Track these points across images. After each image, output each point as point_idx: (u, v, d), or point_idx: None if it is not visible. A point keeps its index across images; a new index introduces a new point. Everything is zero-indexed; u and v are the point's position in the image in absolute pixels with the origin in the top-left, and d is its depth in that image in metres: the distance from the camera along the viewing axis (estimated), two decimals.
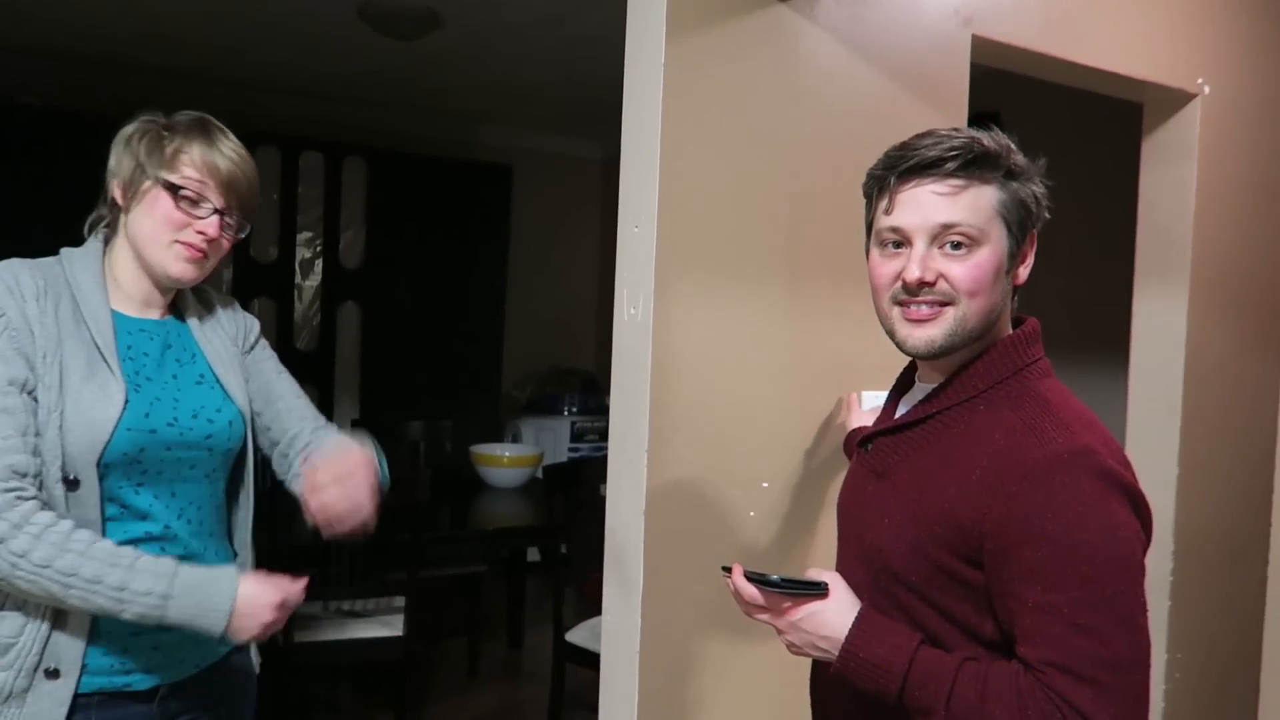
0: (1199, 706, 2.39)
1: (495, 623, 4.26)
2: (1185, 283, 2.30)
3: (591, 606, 2.76)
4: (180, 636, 1.36)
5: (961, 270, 1.03)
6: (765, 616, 1.09)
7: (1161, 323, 2.35)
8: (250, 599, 1.31)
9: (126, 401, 1.31)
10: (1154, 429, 2.35)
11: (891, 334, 1.10)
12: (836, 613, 1.06)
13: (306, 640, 2.89)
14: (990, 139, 1.05)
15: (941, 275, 1.04)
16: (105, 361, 1.31)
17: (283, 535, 2.82)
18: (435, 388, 5.01)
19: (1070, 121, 3.61)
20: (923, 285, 1.04)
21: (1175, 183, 2.32)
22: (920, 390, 1.16)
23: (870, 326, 1.84)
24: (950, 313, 1.04)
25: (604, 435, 5.46)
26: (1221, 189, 2.34)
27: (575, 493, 3.23)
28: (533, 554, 4.44)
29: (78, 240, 1.42)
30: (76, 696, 1.30)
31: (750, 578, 1.08)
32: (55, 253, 1.39)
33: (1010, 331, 1.11)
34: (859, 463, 1.19)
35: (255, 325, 1.59)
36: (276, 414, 1.55)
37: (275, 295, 4.78)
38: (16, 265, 1.32)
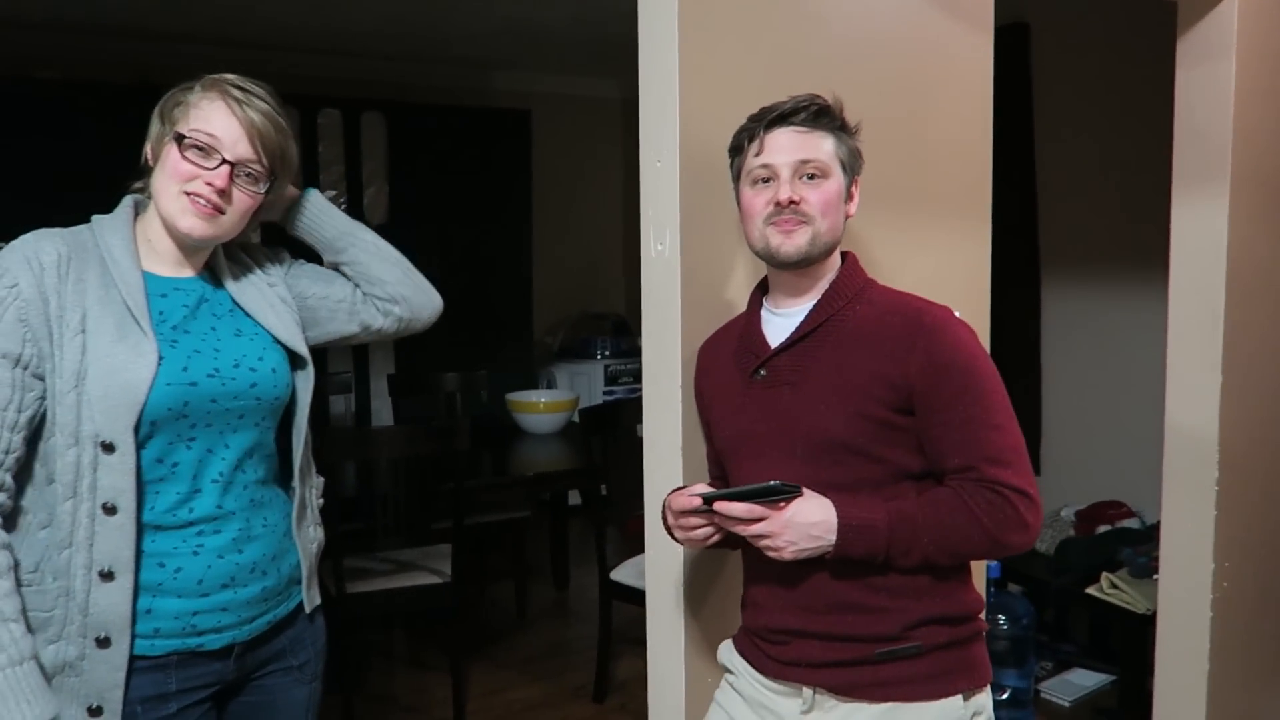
0: (1246, 613, 2.38)
1: (540, 566, 4.33)
2: (1225, 186, 2.23)
3: (634, 545, 2.79)
4: (247, 596, 1.40)
5: (816, 195, 1.35)
6: (759, 527, 1.27)
7: (1201, 228, 2.29)
8: None
9: (161, 359, 1.32)
10: (1196, 338, 2.31)
11: (765, 249, 1.37)
12: (817, 502, 1.28)
13: (359, 591, 2.96)
14: (827, 99, 1.38)
15: (802, 198, 1.34)
16: (136, 322, 1.32)
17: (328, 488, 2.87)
18: (468, 338, 5.02)
19: (1100, 29, 3.49)
20: (790, 204, 1.33)
21: (1213, 83, 2.23)
22: (786, 315, 1.42)
23: (903, 245, 1.82)
24: (808, 229, 1.34)
25: (637, 377, 5.45)
26: (1261, 88, 2.25)
27: (613, 435, 3.25)
28: (573, 497, 4.50)
29: (103, 211, 1.42)
30: (153, 658, 1.33)
31: (734, 497, 1.27)
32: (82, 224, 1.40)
33: (840, 261, 1.43)
34: (757, 389, 1.40)
35: (284, 253, 1.60)
36: (337, 279, 1.63)
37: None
38: (38, 235, 1.33)
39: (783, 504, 1.27)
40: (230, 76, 1.39)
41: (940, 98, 1.88)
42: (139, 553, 1.31)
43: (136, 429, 1.29)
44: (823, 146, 1.35)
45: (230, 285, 1.47)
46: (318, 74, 4.78)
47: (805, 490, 1.29)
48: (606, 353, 5.44)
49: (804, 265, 1.37)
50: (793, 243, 1.34)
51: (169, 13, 4.01)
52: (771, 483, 1.25)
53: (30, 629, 1.28)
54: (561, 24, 4.36)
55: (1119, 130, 3.47)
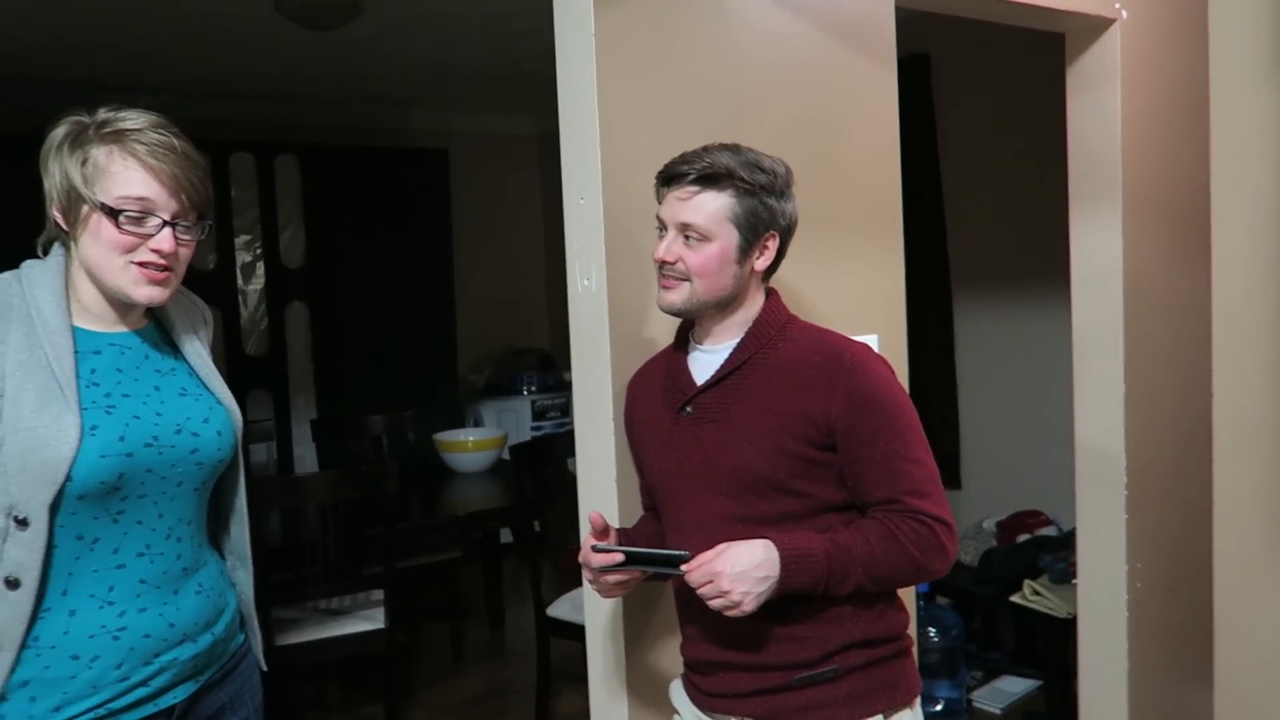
0: (1159, 612, 2.48)
1: (475, 606, 4.27)
2: (1118, 205, 2.35)
3: (569, 580, 2.78)
4: (190, 654, 1.35)
5: (694, 258, 1.37)
6: (709, 589, 1.27)
7: (1098, 246, 2.40)
8: None
9: (88, 431, 1.24)
10: (1099, 350, 2.42)
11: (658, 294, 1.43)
12: (746, 545, 1.29)
13: (289, 643, 2.88)
14: (728, 161, 1.36)
15: (680, 258, 1.38)
16: (61, 391, 1.24)
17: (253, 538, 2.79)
18: (392, 379, 4.97)
19: (996, 59, 3.66)
20: (666, 263, 1.39)
21: (1100, 108, 2.37)
22: (712, 352, 1.45)
23: (821, 271, 1.87)
24: (686, 286, 1.39)
25: (565, 411, 5.46)
26: (1145, 111, 2.39)
27: (544, 470, 3.24)
28: (505, 535, 4.45)
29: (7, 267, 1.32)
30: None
31: (636, 557, 1.32)
32: None
33: (764, 298, 1.45)
34: (684, 426, 1.43)
35: (207, 310, 1.53)
36: None
37: (218, 302, 4.69)
38: None
39: (723, 550, 1.27)
40: (125, 123, 1.29)
41: (850, 128, 1.95)
42: (30, 629, 1.24)
43: (54, 507, 1.23)
44: (707, 209, 1.36)
45: (176, 330, 1.41)
46: (227, 117, 4.71)
47: (728, 544, 1.28)
48: (533, 388, 5.42)
49: (685, 316, 1.43)
50: (668, 298, 1.41)
51: (73, 59, 3.91)
52: (677, 551, 1.29)
53: None
54: (477, 63, 4.38)
55: (1017, 154, 3.63)
